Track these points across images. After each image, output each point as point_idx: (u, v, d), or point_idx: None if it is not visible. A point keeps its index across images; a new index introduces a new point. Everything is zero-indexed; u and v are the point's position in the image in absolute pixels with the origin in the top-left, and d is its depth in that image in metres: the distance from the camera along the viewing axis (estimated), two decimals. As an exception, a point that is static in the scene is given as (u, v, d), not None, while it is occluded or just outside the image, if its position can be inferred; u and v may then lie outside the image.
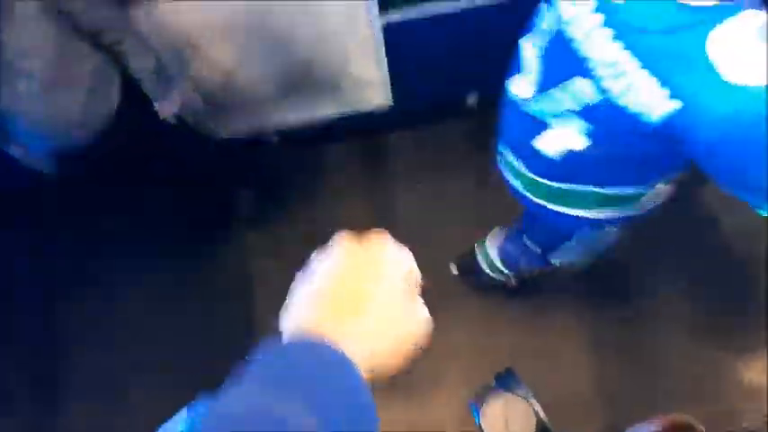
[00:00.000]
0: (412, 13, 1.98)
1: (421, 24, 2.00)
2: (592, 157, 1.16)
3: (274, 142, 2.42)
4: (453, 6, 1.98)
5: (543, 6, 1.18)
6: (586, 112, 1.09)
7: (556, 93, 1.14)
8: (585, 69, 1.04)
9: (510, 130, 1.39)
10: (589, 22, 1.00)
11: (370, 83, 2.18)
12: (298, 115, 2.28)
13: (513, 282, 2.04)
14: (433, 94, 2.34)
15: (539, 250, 1.67)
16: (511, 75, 1.31)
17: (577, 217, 1.35)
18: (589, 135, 1.13)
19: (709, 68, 0.86)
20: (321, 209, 2.38)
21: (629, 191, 1.26)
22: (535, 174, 1.33)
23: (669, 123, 0.93)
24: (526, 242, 1.69)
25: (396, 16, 1.97)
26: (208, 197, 2.33)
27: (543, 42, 1.17)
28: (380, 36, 2.01)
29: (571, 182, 1.27)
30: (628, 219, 1.36)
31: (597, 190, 1.26)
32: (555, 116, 1.18)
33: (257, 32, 1.92)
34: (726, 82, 0.85)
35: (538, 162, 1.29)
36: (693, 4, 0.89)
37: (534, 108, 1.23)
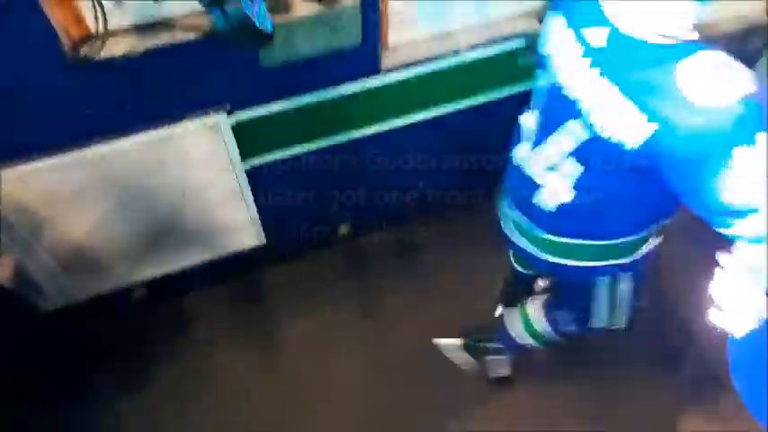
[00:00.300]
0: (273, 155, 2.06)
1: (283, 165, 2.08)
2: (582, 207, 1.37)
3: (138, 299, 2.33)
4: (310, 147, 2.08)
5: (539, 72, 1.41)
6: (578, 152, 1.30)
7: (552, 139, 1.35)
8: (577, 111, 1.25)
9: (515, 191, 1.59)
10: (578, 66, 1.22)
11: (239, 226, 2.19)
12: (164, 268, 2.23)
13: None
14: (306, 228, 2.39)
15: (572, 315, 1.81)
16: (513, 145, 1.55)
17: (585, 267, 1.53)
18: (577, 186, 1.34)
19: (679, 94, 1.05)
20: (201, 359, 2.28)
21: (622, 240, 1.46)
22: (540, 229, 1.52)
23: (647, 146, 1.12)
24: (558, 312, 1.84)
25: (257, 160, 2.04)
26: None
27: (540, 103, 1.42)
28: (245, 180, 2.06)
29: (569, 236, 1.48)
30: (638, 265, 1.55)
31: (593, 242, 1.46)
32: (549, 169, 1.39)
33: (115, 193, 1.90)
34: (692, 104, 1.03)
35: (540, 217, 1.49)
36: (663, 42, 1.10)
37: (532, 167, 1.45)
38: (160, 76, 1.66)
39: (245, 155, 1.97)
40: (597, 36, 1.18)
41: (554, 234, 1.50)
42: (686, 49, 1.08)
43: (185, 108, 1.78)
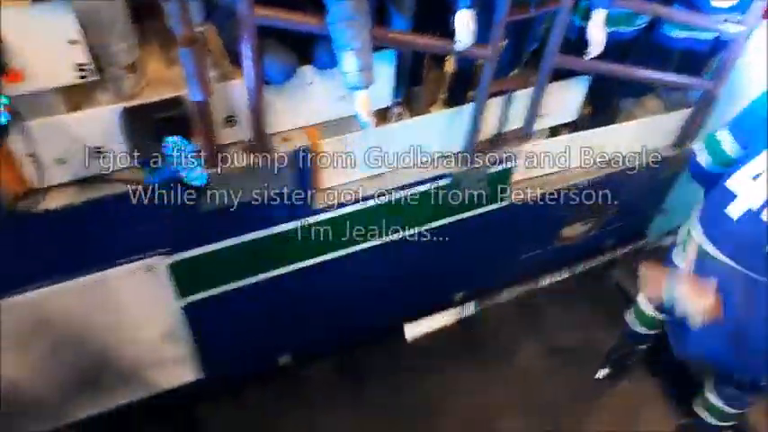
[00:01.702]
0: (212, 291, 2.08)
1: (222, 299, 2.11)
2: None
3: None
4: (249, 281, 2.12)
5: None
6: None
7: None
8: None
9: (734, 245, 1.74)
10: None
11: (176, 361, 2.18)
12: (98, 407, 2.17)
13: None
14: (246, 360, 2.38)
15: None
16: (721, 208, 1.73)
17: None
18: None
19: None
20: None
21: None
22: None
23: None
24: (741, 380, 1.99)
25: (196, 296, 2.06)
26: None
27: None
28: (182, 316, 2.08)
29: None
30: None
31: None
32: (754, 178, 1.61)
33: (50, 334, 1.89)
34: None
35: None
36: None
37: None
38: (100, 225, 1.71)
39: (183, 292, 2.01)
40: None
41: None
42: None
43: (124, 253, 1.82)
